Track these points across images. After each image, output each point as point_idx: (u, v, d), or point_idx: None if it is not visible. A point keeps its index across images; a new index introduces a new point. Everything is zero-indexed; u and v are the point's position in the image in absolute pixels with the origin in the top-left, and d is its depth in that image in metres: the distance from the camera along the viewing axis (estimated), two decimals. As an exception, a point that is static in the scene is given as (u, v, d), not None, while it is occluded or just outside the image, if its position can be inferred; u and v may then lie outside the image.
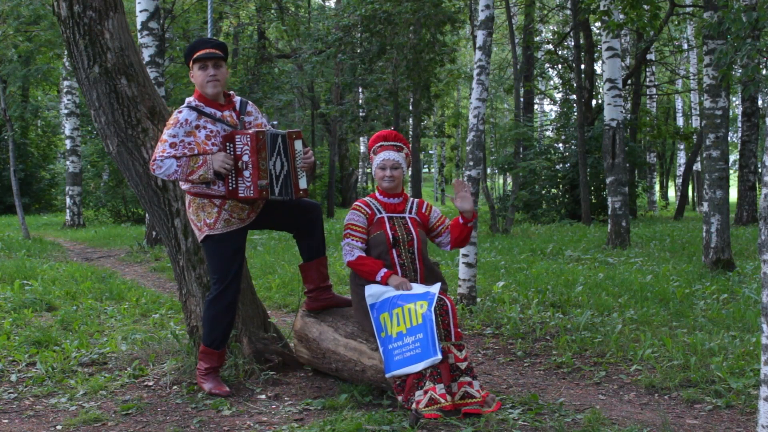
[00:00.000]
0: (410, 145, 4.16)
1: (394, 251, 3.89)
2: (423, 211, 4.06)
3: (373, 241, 3.92)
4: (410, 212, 4.03)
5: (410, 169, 4.14)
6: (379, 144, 4.01)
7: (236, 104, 3.97)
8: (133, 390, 4.00)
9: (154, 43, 10.87)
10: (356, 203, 4.04)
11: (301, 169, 3.90)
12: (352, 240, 3.92)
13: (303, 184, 3.90)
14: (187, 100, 3.87)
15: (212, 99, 3.86)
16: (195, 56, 3.80)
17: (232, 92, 4.02)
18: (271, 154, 3.79)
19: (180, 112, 3.78)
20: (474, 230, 6.19)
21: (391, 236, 3.89)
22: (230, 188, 3.75)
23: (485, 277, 7.72)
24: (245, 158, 3.72)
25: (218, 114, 3.84)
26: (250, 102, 4.09)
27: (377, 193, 4.05)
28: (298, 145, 3.91)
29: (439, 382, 3.43)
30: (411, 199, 4.10)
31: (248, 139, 3.73)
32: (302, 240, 4.11)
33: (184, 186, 3.90)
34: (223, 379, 4.02)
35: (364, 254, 3.90)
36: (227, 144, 3.77)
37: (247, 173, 3.72)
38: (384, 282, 3.80)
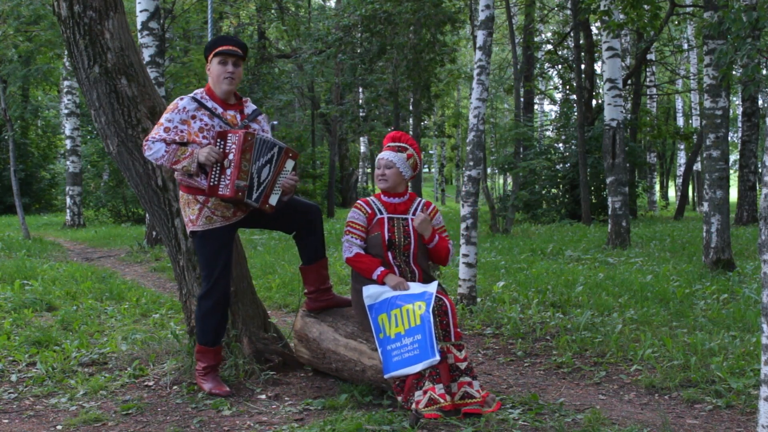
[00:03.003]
0: (419, 148, 4.11)
1: (389, 253, 3.89)
2: (428, 213, 4.03)
3: (370, 242, 3.92)
4: (413, 213, 3.99)
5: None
6: (385, 145, 4.03)
7: (246, 108, 3.99)
8: (133, 390, 4.00)
9: (154, 43, 10.87)
10: (358, 201, 4.04)
11: (279, 187, 3.88)
12: (352, 237, 3.93)
13: (273, 200, 3.86)
14: (195, 91, 3.91)
15: (222, 97, 3.89)
16: (217, 50, 3.84)
17: (247, 98, 4.05)
18: (257, 159, 3.79)
19: (181, 99, 3.83)
20: (474, 230, 6.20)
21: (387, 238, 3.88)
22: (211, 184, 3.76)
23: (485, 277, 7.72)
24: (231, 156, 3.73)
25: (219, 110, 3.86)
26: (263, 114, 4.10)
27: (381, 194, 4.04)
28: (289, 164, 3.91)
29: (438, 382, 3.43)
30: (418, 199, 4.05)
31: (237, 138, 3.74)
32: (302, 242, 4.11)
33: (177, 176, 3.92)
34: (223, 379, 4.02)
35: (362, 251, 3.90)
36: (218, 140, 3.77)
37: (229, 171, 3.73)
38: (381, 280, 3.80)
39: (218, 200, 3.81)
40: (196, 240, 3.88)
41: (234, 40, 3.94)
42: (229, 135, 3.76)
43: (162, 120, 3.77)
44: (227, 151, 3.74)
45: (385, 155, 3.96)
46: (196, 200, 3.83)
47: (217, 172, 3.74)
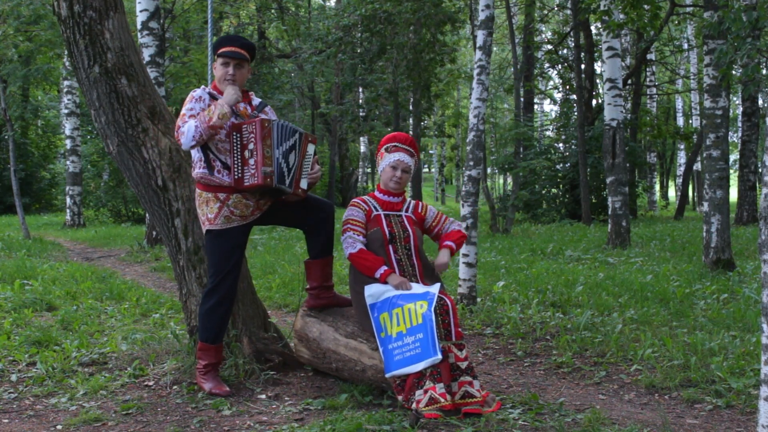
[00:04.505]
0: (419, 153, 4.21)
1: (390, 247, 3.91)
2: (419, 210, 4.12)
3: (370, 237, 3.94)
4: (407, 211, 4.08)
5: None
6: (393, 144, 4.05)
7: (253, 100, 4.04)
8: (133, 390, 4.00)
9: (154, 43, 10.87)
10: (354, 200, 4.08)
11: (307, 172, 3.93)
12: (354, 233, 3.94)
13: (304, 184, 3.93)
14: (202, 87, 3.96)
15: None
16: (220, 51, 3.87)
17: (251, 92, 4.09)
18: (279, 144, 3.80)
19: (195, 91, 3.89)
20: (474, 230, 6.20)
21: (387, 233, 3.91)
22: (236, 177, 3.77)
23: (485, 276, 7.72)
24: (251, 146, 3.74)
25: None
26: (269, 106, 4.14)
27: (376, 191, 4.09)
28: (310, 148, 3.97)
29: (439, 381, 3.43)
30: (408, 199, 4.15)
31: (254, 127, 3.75)
32: (312, 237, 4.11)
33: (194, 173, 3.90)
34: (224, 379, 4.02)
35: (365, 248, 3.92)
36: (233, 133, 3.79)
37: (252, 161, 3.74)
38: (383, 280, 3.81)
39: (238, 198, 3.82)
40: (211, 238, 3.88)
41: (239, 40, 3.94)
42: (244, 126, 3.78)
43: (183, 111, 3.81)
44: (245, 142, 3.75)
45: (405, 158, 4.01)
46: (216, 198, 3.84)
47: (239, 165, 3.76)
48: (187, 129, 3.71)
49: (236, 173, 3.76)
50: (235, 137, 3.78)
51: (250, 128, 3.75)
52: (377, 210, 4.00)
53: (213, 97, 3.88)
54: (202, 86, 3.96)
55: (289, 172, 3.83)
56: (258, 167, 3.71)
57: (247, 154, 3.74)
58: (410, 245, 3.95)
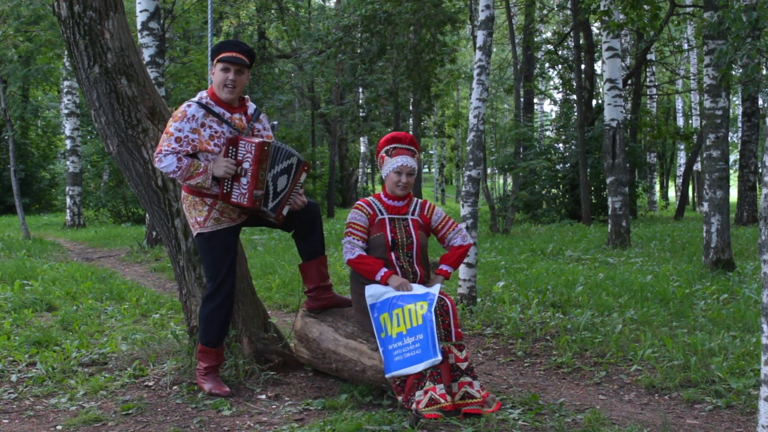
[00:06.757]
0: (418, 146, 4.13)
1: (393, 254, 3.88)
2: (425, 213, 4.04)
3: (372, 243, 3.91)
4: (413, 213, 4.00)
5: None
6: (393, 146, 3.97)
7: (249, 109, 3.96)
8: (133, 390, 4.00)
9: (154, 43, 10.87)
10: (358, 202, 4.02)
11: (291, 198, 3.91)
12: (353, 239, 3.91)
13: (285, 211, 3.89)
14: (199, 95, 3.86)
15: (226, 101, 3.85)
16: (220, 56, 3.79)
17: (246, 97, 4.01)
18: (272, 166, 3.78)
19: (189, 105, 3.75)
20: (474, 230, 6.20)
21: (390, 239, 3.88)
22: (224, 191, 3.73)
23: (485, 277, 7.72)
24: (245, 165, 3.71)
25: (227, 115, 3.82)
26: (264, 113, 4.08)
27: (382, 194, 4.03)
28: (302, 177, 3.95)
29: (439, 382, 3.43)
30: (415, 199, 4.07)
31: (252, 147, 3.70)
32: (301, 239, 4.10)
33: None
34: (224, 379, 4.02)
35: (364, 253, 3.90)
36: (230, 147, 3.74)
37: (244, 180, 3.70)
38: (384, 281, 3.80)
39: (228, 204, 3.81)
40: (203, 241, 3.86)
41: (240, 46, 3.87)
42: (241, 142, 3.73)
43: (171, 129, 3.70)
44: (240, 159, 3.72)
45: (409, 162, 3.92)
46: (204, 202, 3.81)
47: (229, 180, 3.72)
48: (167, 164, 3.65)
49: (225, 187, 3.72)
50: (231, 151, 3.73)
51: (248, 147, 3.70)
52: (382, 214, 3.95)
53: (208, 111, 3.76)
54: (198, 96, 3.86)
55: (275, 196, 3.80)
56: (250, 189, 3.68)
57: (239, 171, 3.70)
58: (413, 252, 3.92)
